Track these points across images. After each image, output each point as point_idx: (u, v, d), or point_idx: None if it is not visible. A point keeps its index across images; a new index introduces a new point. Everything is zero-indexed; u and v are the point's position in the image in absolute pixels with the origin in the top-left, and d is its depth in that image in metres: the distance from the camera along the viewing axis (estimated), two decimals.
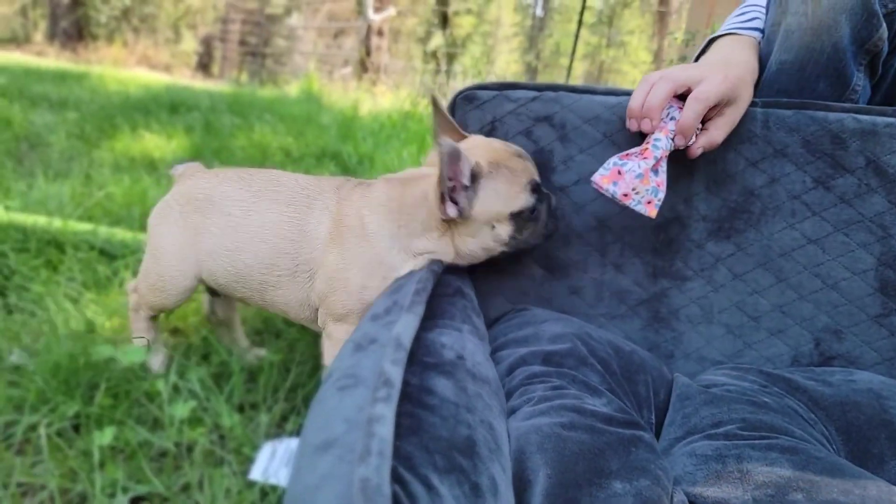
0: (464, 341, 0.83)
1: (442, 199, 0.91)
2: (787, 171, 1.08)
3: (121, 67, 6.88)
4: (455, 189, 0.91)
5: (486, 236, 0.96)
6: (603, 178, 0.97)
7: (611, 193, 0.97)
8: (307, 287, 1.00)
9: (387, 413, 0.56)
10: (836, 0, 1.01)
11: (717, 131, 1.00)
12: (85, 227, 1.60)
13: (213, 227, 1.03)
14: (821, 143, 1.06)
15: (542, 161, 1.11)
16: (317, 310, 1.02)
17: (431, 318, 0.86)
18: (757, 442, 0.76)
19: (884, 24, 1.04)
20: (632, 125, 1.02)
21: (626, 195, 0.96)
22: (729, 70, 1.00)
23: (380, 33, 9.83)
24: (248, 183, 1.05)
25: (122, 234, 1.61)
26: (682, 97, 1.00)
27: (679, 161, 1.09)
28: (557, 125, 1.10)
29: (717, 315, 1.13)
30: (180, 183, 1.10)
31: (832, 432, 0.88)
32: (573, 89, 1.12)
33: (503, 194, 0.93)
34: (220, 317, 1.23)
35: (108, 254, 1.54)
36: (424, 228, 0.96)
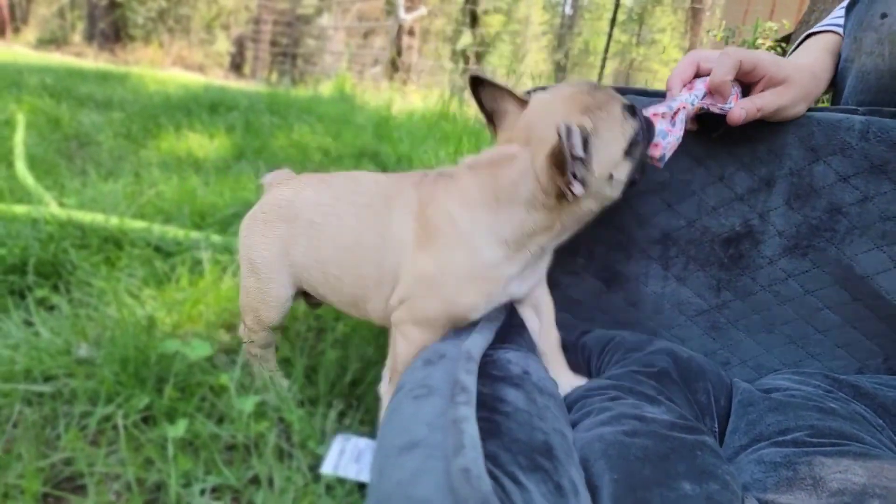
0: (528, 359, 0.84)
1: (568, 182, 0.81)
2: (883, 189, 0.99)
3: (157, 68, 7.03)
4: (572, 167, 0.82)
5: (605, 189, 0.86)
6: None
7: None
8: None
9: (470, 414, 0.58)
10: None
11: (762, 100, 0.95)
12: (140, 224, 1.64)
13: (301, 238, 0.98)
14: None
15: None
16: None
17: (497, 341, 0.87)
18: (828, 449, 0.75)
19: None
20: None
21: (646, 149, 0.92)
22: (775, 56, 0.96)
23: (411, 33, 9.87)
24: (329, 185, 0.99)
25: (174, 231, 1.65)
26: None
27: (755, 172, 1.04)
28: None
29: (779, 326, 1.10)
30: (269, 192, 1.06)
31: None
32: (640, 92, 1.07)
33: (611, 139, 0.84)
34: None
35: (163, 251, 1.58)
36: (530, 210, 0.86)
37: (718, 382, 0.96)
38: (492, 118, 0.96)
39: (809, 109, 1.02)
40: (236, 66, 9.98)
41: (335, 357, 1.16)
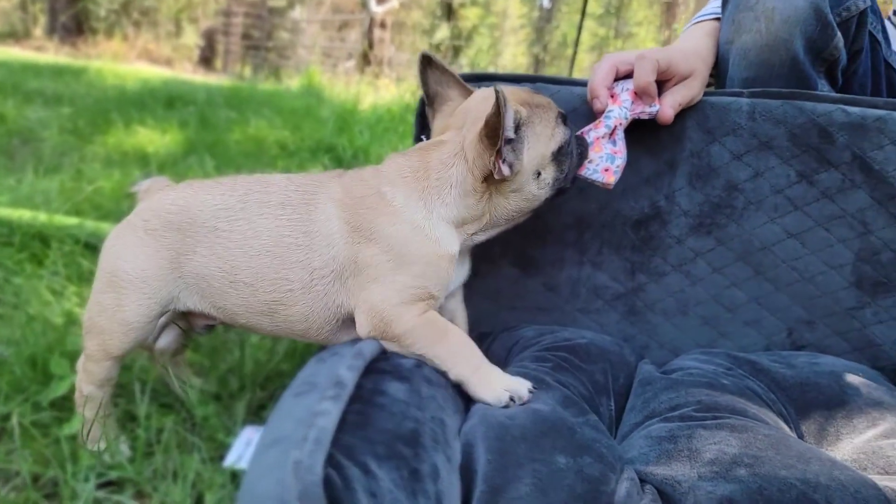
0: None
1: (498, 155, 0.81)
2: (771, 164, 1.06)
3: (121, 62, 6.90)
4: (498, 149, 0.81)
5: (531, 186, 0.88)
6: None
7: None
8: (332, 293, 0.86)
9: (331, 409, 0.59)
10: (789, 14, 1.01)
11: (680, 92, 1.01)
12: (71, 221, 1.62)
13: (199, 247, 0.88)
14: (808, 137, 1.04)
15: None
16: (345, 318, 0.87)
17: None
18: (709, 422, 0.77)
19: (839, 33, 1.04)
20: (593, 108, 1.03)
21: (580, 166, 0.95)
22: (675, 49, 1.02)
23: (382, 25, 9.81)
24: (231, 188, 0.90)
25: (108, 227, 1.62)
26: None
27: (660, 156, 1.08)
28: None
29: (693, 307, 1.13)
30: (146, 199, 0.93)
31: (791, 412, 0.89)
32: (553, 80, 1.10)
33: (543, 135, 0.86)
34: (172, 348, 1.07)
35: (93, 247, 1.56)
36: (461, 194, 0.86)
37: (619, 363, 0.97)
38: (433, 102, 0.96)
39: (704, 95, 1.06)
40: (206, 60, 9.84)
41: (258, 347, 1.16)
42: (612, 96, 1.00)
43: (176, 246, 0.89)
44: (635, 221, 1.11)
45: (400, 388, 0.73)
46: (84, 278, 1.39)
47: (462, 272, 0.96)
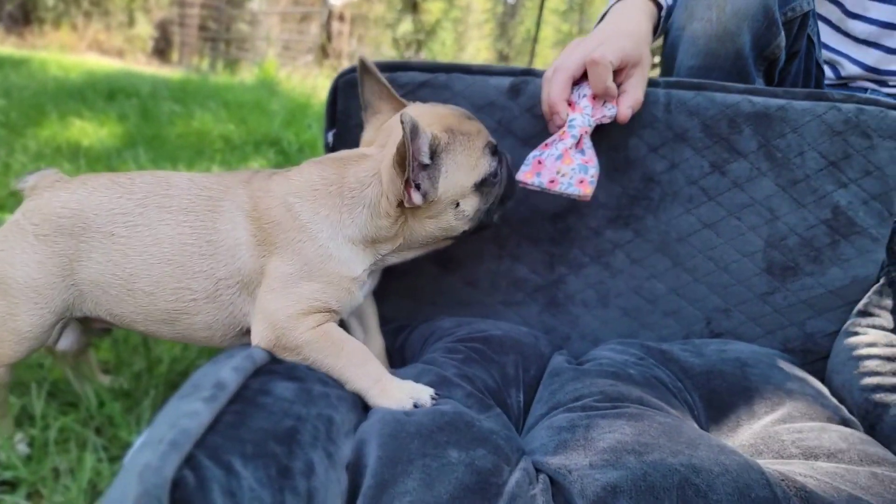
0: None
1: (407, 185, 0.78)
2: (686, 156, 1.08)
3: (70, 53, 6.67)
4: (413, 170, 0.78)
5: (449, 216, 0.85)
6: (526, 174, 0.94)
7: (538, 185, 0.93)
8: (238, 302, 0.84)
9: (201, 410, 0.57)
10: (739, 7, 1.02)
11: (635, 90, 0.98)
12: None
13: (94, 253, 0.83)
14: (718, 127, 1.06)
15: None
16: (247, 330, 0.85)
17: None
18: (608, 411, 0.78)
19: (782, 33, 1.06)
20: (549, 124, 1.01)
21: (552, 181, 0.93)
22: (620, 35, 0.98)
23: (341, 18, 9.69)
24: (129, 190, 0.85)
25: None
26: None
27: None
28: None
29: (613, 299, 1.14)
30: (35, 197, 0.86)
31: (696, 399, 0.91)
32: (467, 69, 1.09)
33: (464, 165, 0.83)
34: (75, 349, 1.01)
35: None
36: (373, 215, 0.83)
37: (533, 354, 0.98)
38: (366, 110, 0.94)
39: None
40: (160, 52, 9.58)
41: (172, 344, 1.13)
42: (569, 104, 0.97)
43: (69, 252, 0.83)
44: (553, 214, 1.11)
45: (288, 388, 0.71)
46: None
47: (369, 287, 0.93)
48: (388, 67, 1.07)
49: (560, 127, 0.97)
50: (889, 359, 0.90)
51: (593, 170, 0.94)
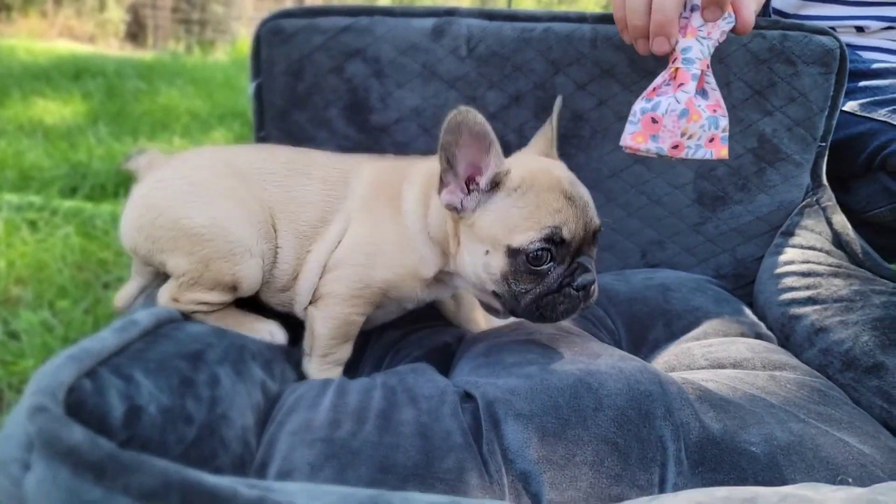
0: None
1: (441, 180, 0.73)
2: (614, 91, 1.08)
3: (40, 39, 6.55)
4: (472, 180, 0.74)
5: (478, 257, 0.75)
6: (635, 137, 0.75)
7: (655, 152, 0.75)
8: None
9: (107, 336, 0.59)
10: None
11: None
12: None
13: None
14: (644, 61, 1.06)
15: (359, 101, 1.07)
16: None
17: None
18: (521, 338, 0.81)
19: None
20: (640, 47, 0.82)
21: (676, 146, 0.74)
22: None
23: None
24: (271, 154, 0.89)
25: None
26: None
27: (503, 88, 1.07)
28: (371, 59, 1.05)
29: None
30: (156, 168, 0.86)
31: (618, 324, 0.94)
32: (388, 12, 1.06)
33: (510, 219, 0.72)
34: None
35: None
36: (440, 207, 0.78)
37: None
38: None
39: (549, 20, 1.06)
40: (133, 36, 9.41)
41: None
42: (683, 33, 0.75)
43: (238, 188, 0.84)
44: None
45: (203, 329, 0.73)
46: None
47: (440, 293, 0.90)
48: (307, 13, 1.05)
49: (668, 59, 0.76)
50: (803, 274, 0.94)
51: (724, 120, 0.74)
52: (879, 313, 0.78)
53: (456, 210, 0.74)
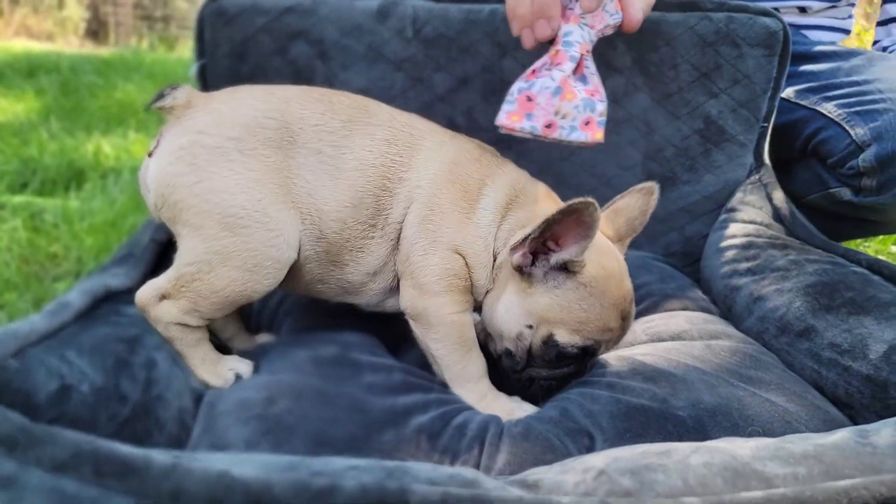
0: None
1: (521, 245, 0.69)
2: None
3: None
4: (546, 253, 0.69)
5: (514, 319, 0.72)
6: (511, 116, 0.75)
7: (529, 131, 0.75)
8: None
9: (37, 319, 0.59)
10: None
11: None
12: None
13: (303, 171, 0.73)
14: (595, 45, 1.09)
15: (303, 82, 1.01)
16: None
17: None
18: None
19: None
20: (525, 38, 0.83)
21: (549, 125, 0.74)
22: None
23: None
24: (329, 105, 0.76)
25: None
26: None
27: (451, 70, 1.07)
28: (314, 41, 1.04)
29: None
30: (205, 111, 0.71)
31: None
32: None
33: (567, 312, 0.69)
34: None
35: None
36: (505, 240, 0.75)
37: None
38: None
39: (495, 1, 1.06)
40: (94, 33, 9.19)
41: None
42: (566, 20, 0.77)
43: (281, 168, 0.72)
44: None
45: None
46: None
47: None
48: None
49: (548, 43, 0.78)
50: (744, 247, 0.96)
51: (601, 105, 0.74)
52: (812, 280, 0.80)
53: (520, 271, 0.71)
